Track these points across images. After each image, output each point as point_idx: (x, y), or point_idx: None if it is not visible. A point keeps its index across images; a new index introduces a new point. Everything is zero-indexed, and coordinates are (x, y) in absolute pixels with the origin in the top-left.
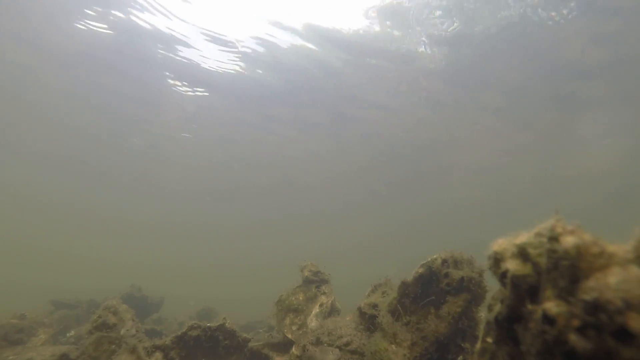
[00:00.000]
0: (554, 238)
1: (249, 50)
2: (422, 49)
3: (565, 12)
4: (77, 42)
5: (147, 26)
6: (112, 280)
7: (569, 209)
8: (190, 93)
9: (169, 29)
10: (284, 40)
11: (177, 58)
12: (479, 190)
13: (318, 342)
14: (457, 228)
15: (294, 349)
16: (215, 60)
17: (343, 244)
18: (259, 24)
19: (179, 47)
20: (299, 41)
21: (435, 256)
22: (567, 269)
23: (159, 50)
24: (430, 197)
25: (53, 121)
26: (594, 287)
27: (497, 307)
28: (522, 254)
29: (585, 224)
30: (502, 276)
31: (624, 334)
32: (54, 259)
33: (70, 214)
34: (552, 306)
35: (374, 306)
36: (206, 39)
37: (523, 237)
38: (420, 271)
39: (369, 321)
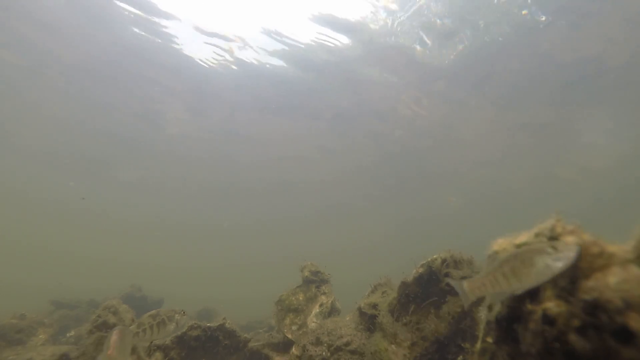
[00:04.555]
0: (553, 238)
1: (253, 44)
2: (425, 46)
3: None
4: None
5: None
6: (112, 280)
7: (569, 208)
8: (192, 90)
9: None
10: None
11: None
12: (479, 190)
13: (318, 342)
14: (457, 228)
15: (294, 349)
16: (215, 54)
17: (343, 244)
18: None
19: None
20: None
21: (435, 256)
22: (567, 269)
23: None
24: (430, 197)
25: (52, 119)
26: (594, 287)
27: (497, 307)
28: None
29: (585, 224)
30: None
31: (624, 334)
32: (54, 259)
33: (70, 214)
34: (552, 306)
35: (374, 306)
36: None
37: (523, 237)
38: (420, 271)
39: (369, 321)
